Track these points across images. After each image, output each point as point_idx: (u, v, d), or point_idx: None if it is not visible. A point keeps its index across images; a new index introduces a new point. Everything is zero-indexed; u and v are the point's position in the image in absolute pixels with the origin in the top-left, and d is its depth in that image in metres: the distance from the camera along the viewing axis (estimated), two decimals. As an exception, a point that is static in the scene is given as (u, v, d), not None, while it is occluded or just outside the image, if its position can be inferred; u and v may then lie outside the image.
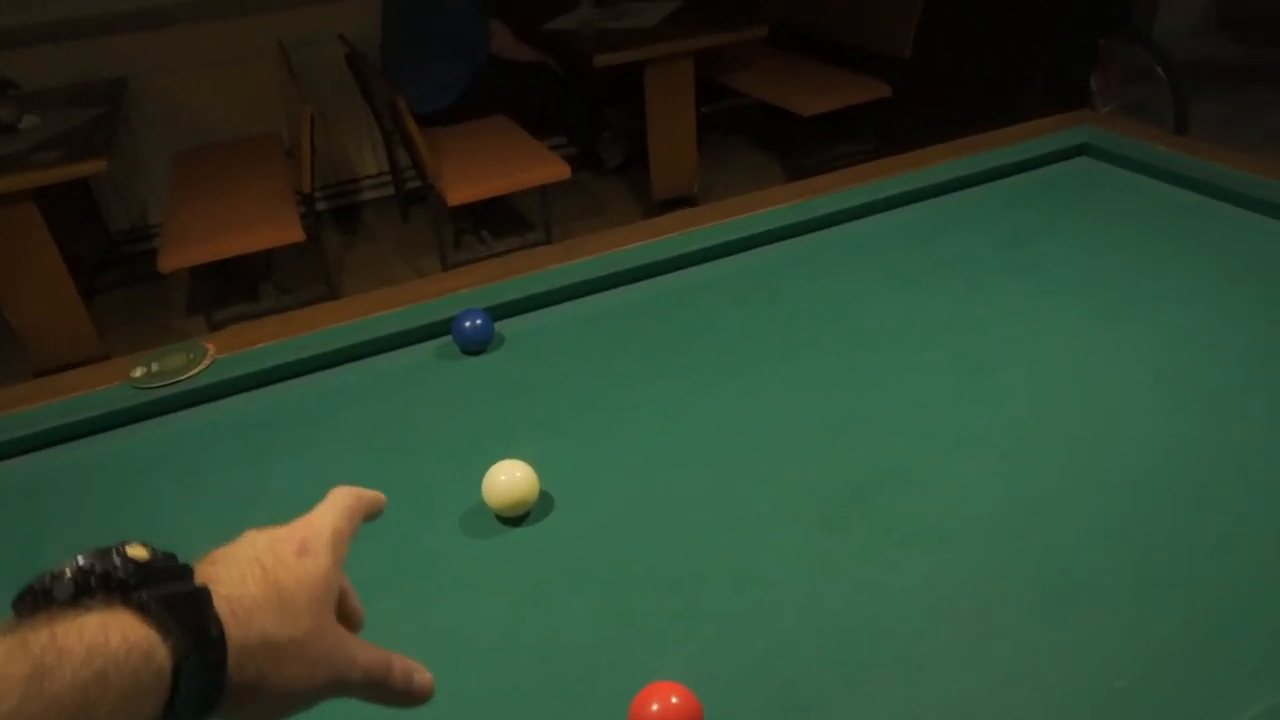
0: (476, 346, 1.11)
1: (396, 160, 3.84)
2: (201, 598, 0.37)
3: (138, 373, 1.07)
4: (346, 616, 0.49)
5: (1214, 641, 0.68)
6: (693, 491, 0.88)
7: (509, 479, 0.83)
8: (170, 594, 0.36)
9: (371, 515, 0.52)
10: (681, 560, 0.80)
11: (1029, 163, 1.51)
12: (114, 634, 0.33)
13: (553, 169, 2.99)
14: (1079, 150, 1.53)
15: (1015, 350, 1.06)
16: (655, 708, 0.60)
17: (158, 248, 2.74)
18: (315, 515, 0.48)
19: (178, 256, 2.61)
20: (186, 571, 0.39)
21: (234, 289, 3.41)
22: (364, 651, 0.45)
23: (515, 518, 0.85)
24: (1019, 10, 3.26)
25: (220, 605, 0.38)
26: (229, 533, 0.85)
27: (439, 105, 3.33)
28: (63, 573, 0.35)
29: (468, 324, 1.10)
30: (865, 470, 0.89)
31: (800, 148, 3.89)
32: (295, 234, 2.68)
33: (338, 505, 0.49)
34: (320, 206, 3.95)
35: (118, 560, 0.35)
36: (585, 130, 3.94)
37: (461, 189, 2.88)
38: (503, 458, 0.86)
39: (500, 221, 3.68)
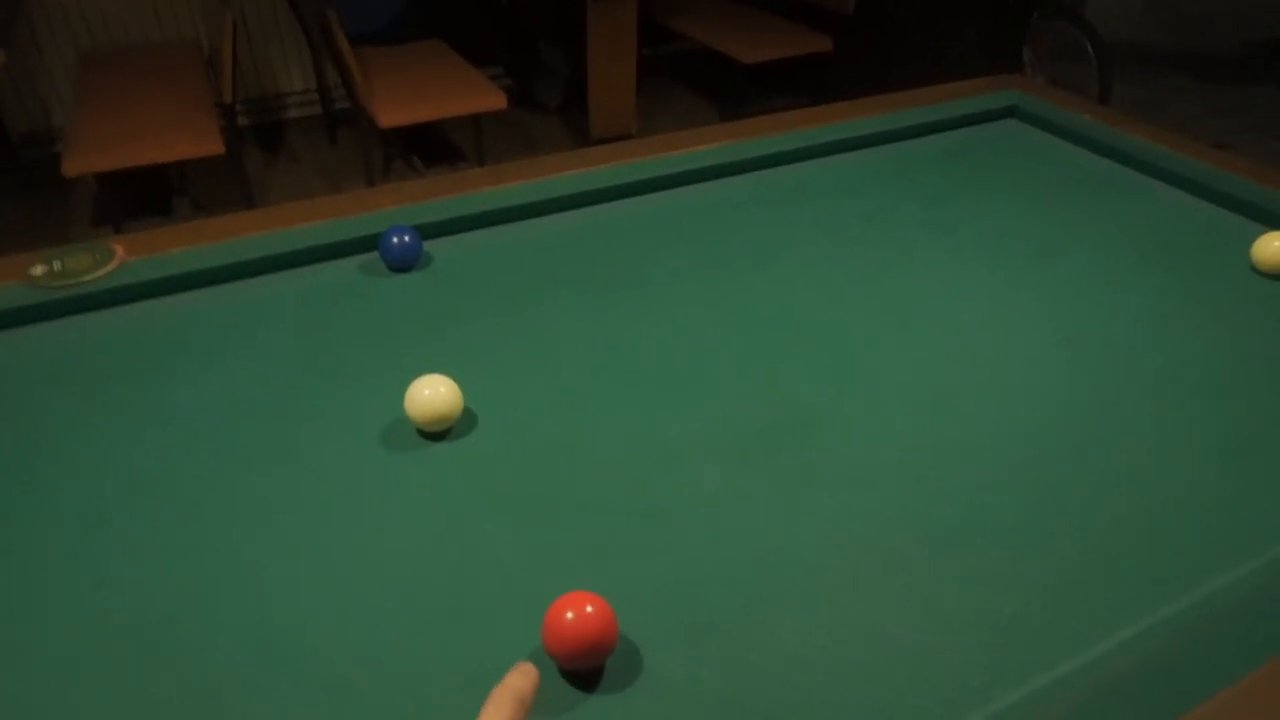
0: (404, 264, 1.09)
1: (325, 78, 3.69)
2: None
3: (37, 270, 1.01)
4: None
5: (1092, 578, 0.73)
6: (613, 423, 0.89)
7: (433, 392, 0.82)
8: None
9: (528, 709, 0.48)
10: (598, 490, 0.81)
11: (958, 121, 1.54)
12: None
13: (489, 98, 2.92)
14: (1008, 112, 1.57)
15: (930, 304, 1.09)
16: (570, 615, 0.61)
17: (60, 153, 2.58)
18: None
19: (85, 160, 2.47)
20: None
21: (144, 203, 3.25)
22: None
23: (437, 433, 0.85)
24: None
25: None
26: (128, 454, 0.83)
27: (373, 26, 3.20)
28: None
29: (395, 240, 1.07)
30: (782, 411, 0.91)
31: (738, 96, 3.88)
32: (214, 146, 2.56)
33: (501, 717, 0.45)
34: (241, 121, 3.77)
35: None
36: (523, 67, 3.85)
37: (394, 112, 2.79)
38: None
39: (432, 149, 3.58)
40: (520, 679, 0.49)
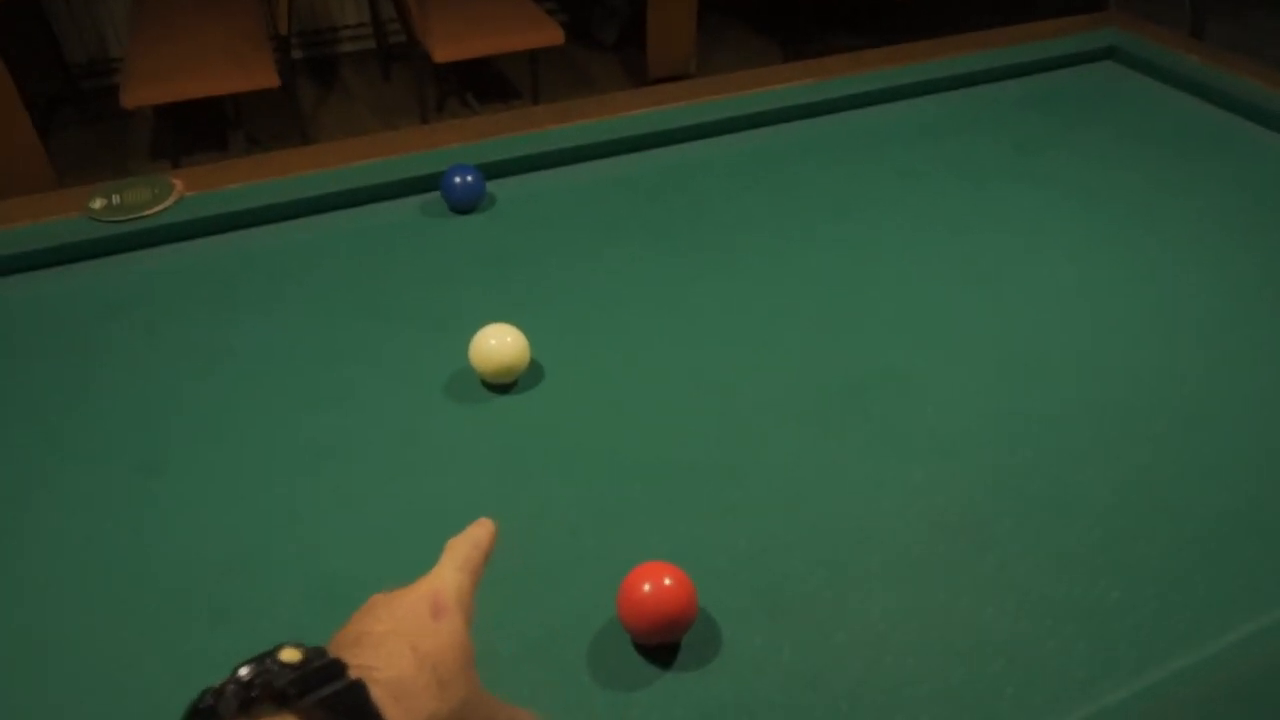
0: (466, 205, 1.05)
1: (379, 11, 3.62)
2: (360, 693, 0.37)
3: (97, 204, 0.99)
4: None
5: (1198, 565, 0.67)
6: (685, 380, 0.85)
7: (499, 343, 0.78)
8: (330, 695, 0.36)
9: (487, 557, 0.49)
10: (669, 449, 0.77)
11: (1052, 62, 1.44)
12: None
13: (546, 33, 2.83)
14: (1107, 53, 1.46)
15: (1019, 261, 1.02)
16: (648, 588, 0.57)
17: (118, 84, 2.57)
18: (438, 573, 0.45)
19: (143, 92, 2.45)
20: (340, 668, 0.37)
21: (200, 135, 3.24)
22: (506, 711, 0.46)
23: (502, 385, 0.82)
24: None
25: (378, 693, 0.37)
26: (188, 394, 0.81)
27: (428, -47, 3.11)
28: (224, 689, 0.35)
29: (458, 180, 1.03)
30: (862, 372, 0.86)
31: (801, 34, 3.73)
32: (270, 78, 2.52)
33: (457, 560, 0.46)
34: (295, 55, 3.73)
35: (274, 668, 0.36)
36: (581, 2, 3.73)
37: (449, 46, 2.72)
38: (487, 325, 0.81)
39: (486, 86, 3.51)
40: (479, 530, 0.48)
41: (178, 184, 1.03)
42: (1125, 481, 0.75)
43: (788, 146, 1.23)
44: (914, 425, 0.80)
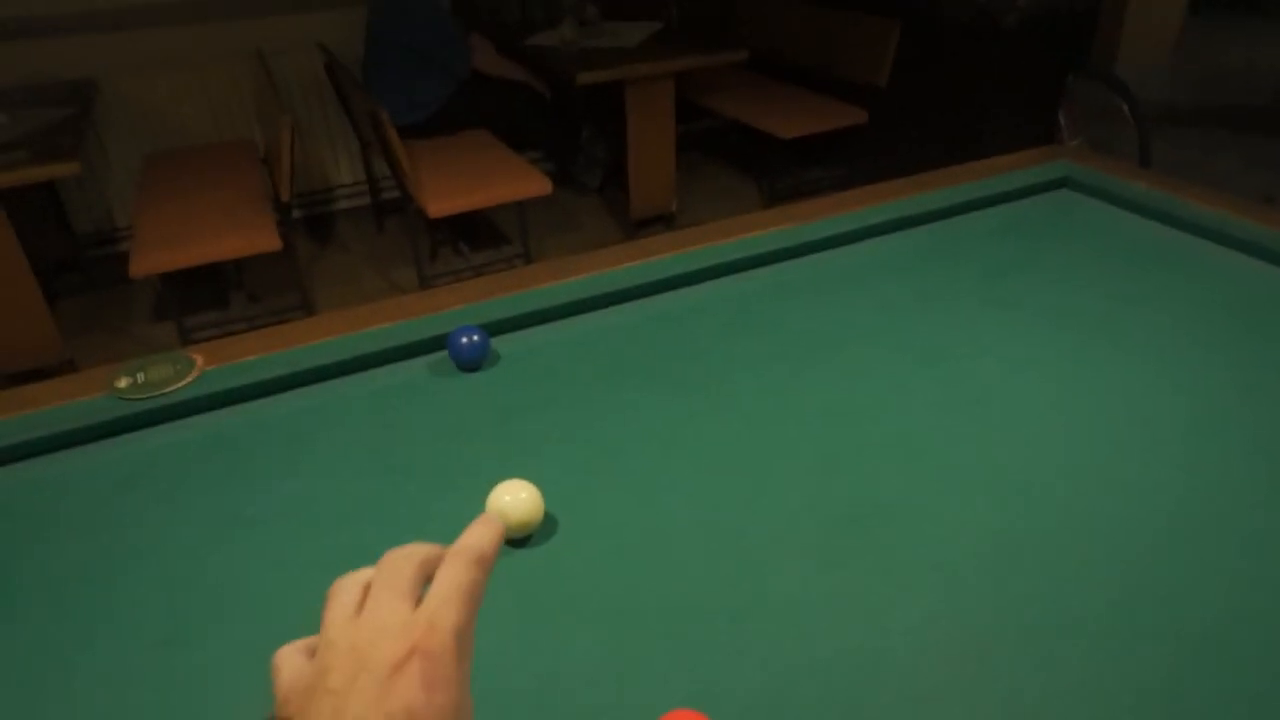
0: (473, 363, 1.10)
1: (373, 170, 3.81)
2: None
3: (122, 383, 1.04)
4: None
5: (1200, 685, 0.70)
6: (690, 521, 0.88)
7: (514, 499, 0.82)
8: None
9: (491, 569, 0.41)
10: (679, 592, 0.80)
11: (1010, 194, 1.54)
12: None
13: (534, 184, 2.99)
14: (1060, 183, 1.57)
15: (997, 386, 1.08)
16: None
17: (123, 251, 2.69)
18: (432, 616, 0.37)
19: (150, 261, 2.56)
20: None
21: (202, 296, 3.35)
22: None
23: (517, 540, 0.85)
24: (989, 46, 3.33)
25: None
26: (211, 566, 0.84)
27: (418, 118, 3.32)
28: None
29: (465, 339, 1.09)
30: (858, 502, 0.90)
31: (776, 170, 3.93)
32: (272, 242, 2.64)
33: (455, 588, 0.38)
34: (294, 215, 3.91)
35: None
36: (564, 149, 3.95)
37: (442, 201, 2.86)
38: (500, 479, 0.85)
39: (478, 234, 3.67)
40: (483, 533, 0.41)
41: (198, 359, 1.09)
42: (1118, 602, 0.77)
43: (771, 288, 1.31)
44: (911, 554, 0.83)
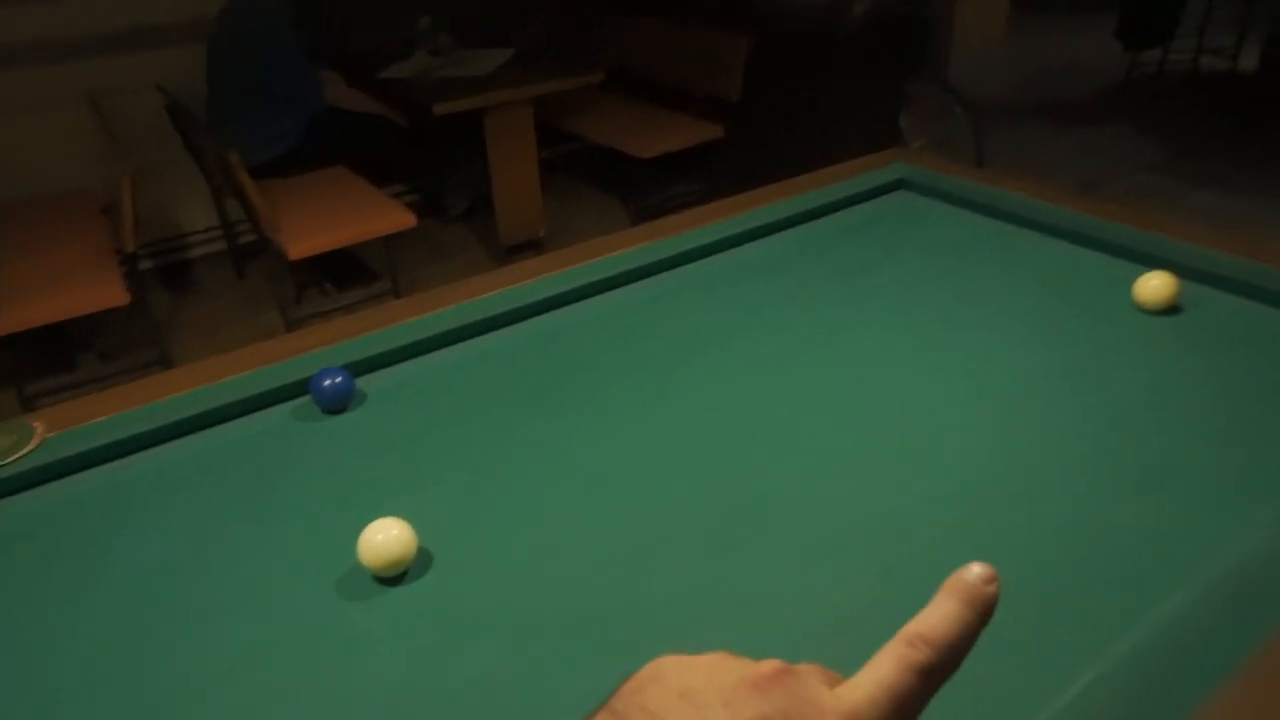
0: (338, 405, 1.08)
1: (227, 214, 3.67)
2: None
3: (-46, 459, 0.97)
4: None
5: (1051, 623, 0.76)
6: (577, 533, 0.90)
7: (385, 537, 0.81)
8: None
9: (955, 666, 0.30)
10: (572, 601, 0.81)
11: (854, 198, 1.63)
12: None
13: (398, 218, 2.95)
14: (898, 184, 1.67)
15: (858, 373, 1.14)
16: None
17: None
18: (853, 706, 0.29)
19: (-19, 327, 2.39)
20: None
21: (47, 359, 3.14)
22: None
23: (394, 577, 0.84)
24: (831, 56, 3.51)
25: None
26: (76, 631, 0.79)
27: (270, 156, 3.22)
28: None
29: (327, 382, 1.07)
30: (738, 496, 0.93)
31: (640, 188, 4.01)
32: (118, 296, 2.51)
33: (886, 689, 0.29)
34: (144, 265, 3.71)
35: None
36: (428, 180, 3.91)
37: (303, 241, 2.78)
38: (376, 517, 0.84)
39: (343, 272, 3.58)
40: (946, 607, 0.31)
41: (38, 426, 1.03)
42: (977, 556, 0.83)
43: (640, 302, 1.34)
44: (790, 536, 0.87)
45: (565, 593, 0.82)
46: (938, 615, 0.31)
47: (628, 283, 1.39)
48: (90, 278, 2.57)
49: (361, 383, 1.14)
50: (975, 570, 0.33)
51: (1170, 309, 1.22)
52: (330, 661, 0.77)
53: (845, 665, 0.71)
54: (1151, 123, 4.79)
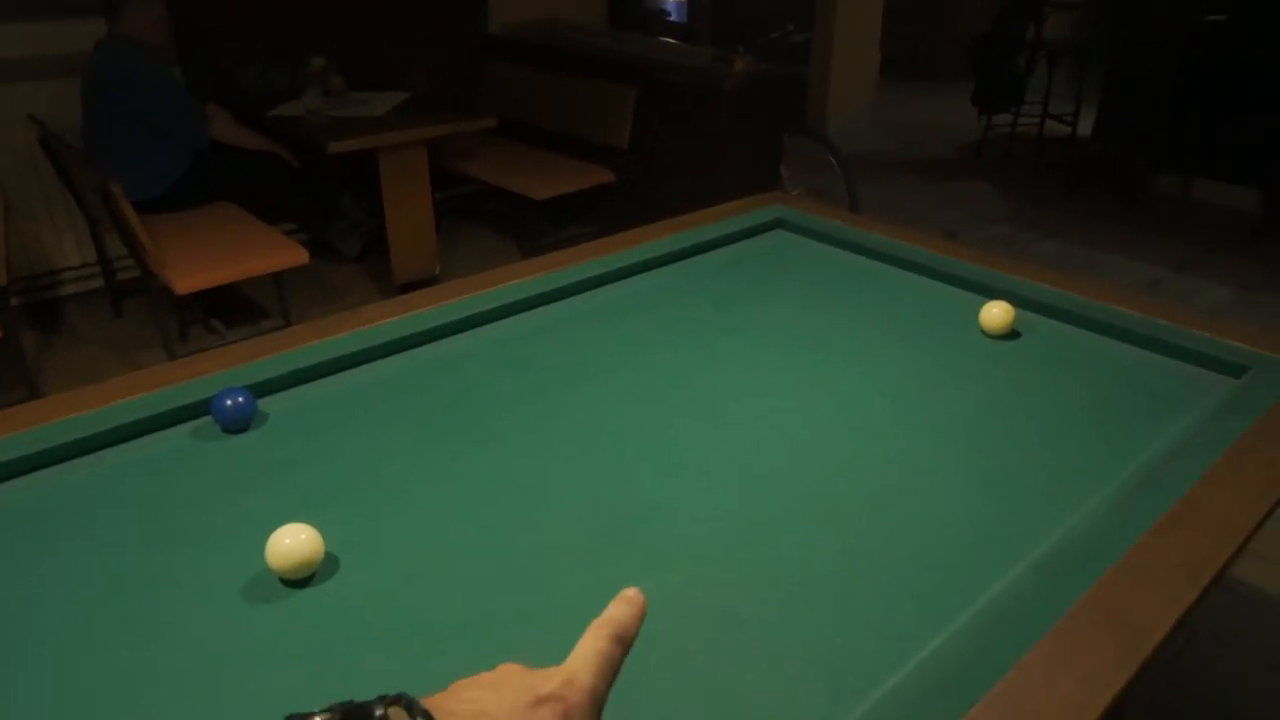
0: (238, 424, 1.11)
1: (105, 250, 3.55)
2: None
3: None
4: None
5: (903, 603, 0.86)
6: (470, 546, 0.95)
7: (294, 540, 0.85)
8: None
9: (630, 645, 0.44)
10: (464, 609, 0.87)
11: (733, 236, 1.76)
12: None
13: (290, 254, 2.93)
14: (775, 224, 1.80)
15: (733, 395, 1.24)
16: None
17: None
18: (570, 671, 0.41)
19: None
20: None
21: (-100, 400, 2.94)
22: None
23: (300, 580, 0.87)
24: (716, 109, 3.70)
25: None
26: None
27: (153, 193, 3.15)
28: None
29: (229, 402, 1.09)
30: (621, 509, 1.01)
31: (533, 230, 4.09)
32: (-13, 333, 2.40)
33: (595, 654, 0.42)
34: (14, 302, 3.53)
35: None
36: (320, 219, 3.89)
37: (190, 277, 2.73)
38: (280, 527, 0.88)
39: (232, 309, 3.50)
40: (625, 610, 0.43)
41: (-77, 449, 1.01)
42: (840, 551, 0.93)
43: (530, 331, 1.41)
44: (669, 543, 0.95)
45: (457, 602, 0.88)
46: (615, 610, 0.45)
47: (520, 311, 1.46)
48: (-46, 313, 2.45)
49: (261, 404, 1.17)
50: (631, 591, 0.47)
51: (1010, 334, 1.38)
52: (230, 673, 0.79)
53: (726, 649, 0.80)
54: (1004, 179, 5.22)
